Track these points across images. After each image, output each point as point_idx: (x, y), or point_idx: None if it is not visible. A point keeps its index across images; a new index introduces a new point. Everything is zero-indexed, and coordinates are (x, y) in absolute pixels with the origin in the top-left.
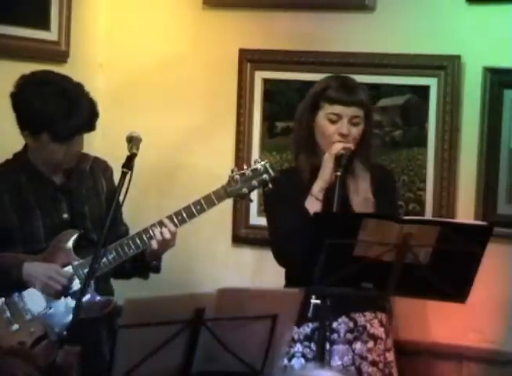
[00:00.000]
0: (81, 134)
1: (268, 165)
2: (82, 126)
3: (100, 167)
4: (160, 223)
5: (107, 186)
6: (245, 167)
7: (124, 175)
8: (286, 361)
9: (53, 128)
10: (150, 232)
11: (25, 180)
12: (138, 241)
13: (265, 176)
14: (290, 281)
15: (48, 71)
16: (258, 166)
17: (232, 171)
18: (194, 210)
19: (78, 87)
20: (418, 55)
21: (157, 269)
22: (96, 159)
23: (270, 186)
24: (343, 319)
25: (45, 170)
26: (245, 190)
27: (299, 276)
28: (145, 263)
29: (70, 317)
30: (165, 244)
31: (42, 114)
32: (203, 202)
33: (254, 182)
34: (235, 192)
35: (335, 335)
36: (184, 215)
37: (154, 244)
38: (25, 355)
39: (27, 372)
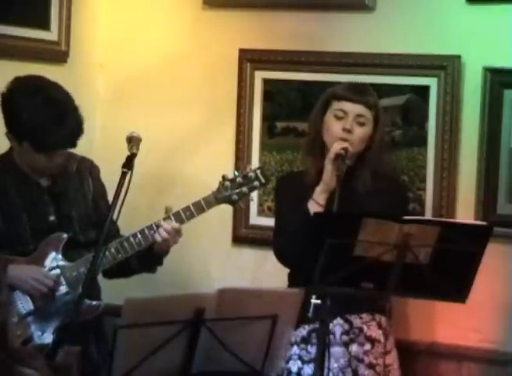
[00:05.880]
0: (61, 150)
1: (259, 172)
2: (63, 142)
3: (87, 167)
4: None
5: (94, 185)
6: (236, 173)
7: (124, 175)
8: (283, 364)
9: (34, 138)
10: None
11: (11, 182)
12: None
13: (255, 183)
14: (293, 281)
15: (42, 79)
16: (250, 173)
17: (223, 178)
18: (183, 216)
19: (68, 100)
20: (418, 55)
21: (161, 262)
22: (83, 159)
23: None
24: (338, 320)
25: (30, 172)
26: (235, 197)
27: (302, 277)
28: (153, 257)
29: (57, 321)
30: (169, 241)
31: (26, 124)
32: (192, 208)
33: (245, 189)
34: (224, 198)
35: (331, 337)
36: (172, 220)
37: (160, 238)
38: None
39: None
